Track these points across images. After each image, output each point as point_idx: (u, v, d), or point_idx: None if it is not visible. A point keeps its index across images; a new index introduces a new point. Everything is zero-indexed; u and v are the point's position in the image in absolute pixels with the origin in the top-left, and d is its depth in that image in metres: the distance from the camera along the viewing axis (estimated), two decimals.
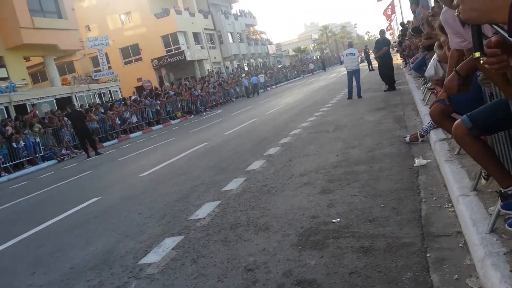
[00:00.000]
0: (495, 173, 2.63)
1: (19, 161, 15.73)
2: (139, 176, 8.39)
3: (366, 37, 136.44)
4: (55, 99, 23.74)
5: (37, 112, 20.09)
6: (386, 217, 3.53)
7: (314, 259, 3.08)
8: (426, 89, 8.59)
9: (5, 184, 13.62)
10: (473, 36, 1.51)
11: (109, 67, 33.85)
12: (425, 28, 5.81)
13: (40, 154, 16.70)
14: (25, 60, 26.95)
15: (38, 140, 16.72)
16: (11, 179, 14.41)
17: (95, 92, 27.89)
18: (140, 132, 21.73)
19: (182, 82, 34.15)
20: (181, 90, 28.29)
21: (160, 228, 4.66)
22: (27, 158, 16.08)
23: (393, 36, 43.51)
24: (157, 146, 13.48)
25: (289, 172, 5.87)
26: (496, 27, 1.41)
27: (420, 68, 9.19)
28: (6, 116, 19.31)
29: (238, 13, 55.87)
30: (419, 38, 8.89)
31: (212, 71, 41.31)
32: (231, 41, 48.86)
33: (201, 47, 42.54)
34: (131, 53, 39.60)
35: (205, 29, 44.22)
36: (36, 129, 16.93)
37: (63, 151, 17.49)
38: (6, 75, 23.84)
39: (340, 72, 35.82)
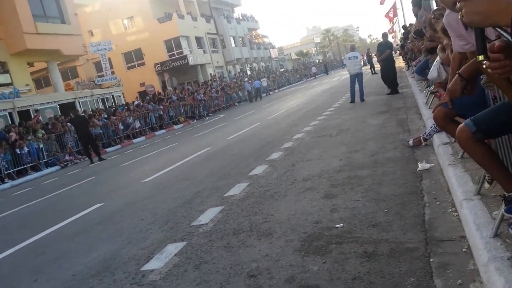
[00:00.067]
0: (499, 177, 2.61)
1: (22, 167, 15.78)
2: (142, 182, 8.39)
3: (368, 40, 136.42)
4: (59, 104, 23.83)
5: (40, 118, 20.16)
6: (390, 222, 3.51)
7: (317, 264, 3.06)
8: (429, 93, 8.57)
9: (8, 190, 13.66)
10: (476, 39, 1.50)
11: (112, 72, 33.99)
12: (428, 31, 5.79)
13: (43, 160, 16.75)
14: (28, 66, 27.07)
15: (41, 146, 16.77)
16: (14, 185, 14.45)
17: (98, 98, 27.98)
18: (143, 137, 21.77)
19: (185, 87, 34.23)
20: (184, 95, 28.35)
21: (163, 234, 4.65)
22: (30, 164, 16.13)
23: (395, 39, 43.47)
24: (160, 151, 13.49)
25: (292, 177, 5.86)
26: (499, 30, 1.41)
27: (422, 71, 9.16)
28: (10, 122, 19.39)
29: (241, 17, 56.00)
30: (421, 41, 8.87)
31: (215, 75, 41.39)
32: (233, 45, 48.94)
33: (204, 52, 42.63)
34: (134, 58, 39.71)
35: (208, 33, 44.33)
36: (40, 135, 16.99)
37: (67, 157, 17.53)
38: (10, 81, 23.93)
39: (342, 76, 35.81)
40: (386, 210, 3.79)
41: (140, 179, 8.76)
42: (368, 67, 33.17)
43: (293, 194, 5.01)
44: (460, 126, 2.61)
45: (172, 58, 38.27)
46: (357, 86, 13.96)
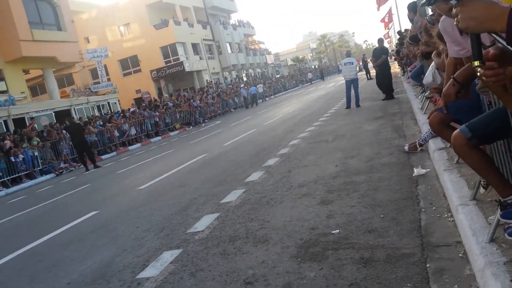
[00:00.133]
0: (495, 182, 2.61)
1: (17, 175, 15.68)
2: (138, 189, 8.36)
3: (364, 46, 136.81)
4: (54, 112, 23.75)
5: (35, 125, 20.08)
6: (386, 228, 3.50)
7: (313, 271, 3.05)
8: (425, 98, 8.59)
9: (3, 198, 13.58)
10: (472, 45, 1.51)
11: (108, 79, 33.98)
12: (423, 36, 5.81)
13: (38, 168, 16.65)
14: (24, 73, 27.01)
15: (36, 153, 16.69)
16: (9, 193, 14.35)
17: (94, 105, 27.93)
18: (139, 144, 21.71)
19: (181, 93, 34.23)
20: (180, 101, 28.32)
21: (159, 241, 4.63)
22: (25, 172, 16.03)
23: (390, 44, 43.65)
24: (156, 158, 13.46)
25: (288, 183, 5.85)
26: (495, 35, 1.41)
27: (418, 77, 9.20)
28: (5, 130, 19.31)
29: (237, 24, 56.15)
30: (416, 46, 8.90)
31: (211, 81, 41.42)
32: (229, 51, 49.06)
33: (200, 58, 42.70)
34: (130, 64, 39.73)
35: (204, 39, 44.40)
36: (35, 142, 16.91)
37: (62, 165, 17.45)
38: (5, 88, 23.91)
39: (338, 81, 35.90)
40: (382, 215, 3.79)
41: (136, 186, 8.73)
42: (364, 72, 33.29)
43: (289, 200, 5.00)
44: (455, 132, 2.61)
45: (168, 64, 38.30)
46: (352, 91, 14.00)
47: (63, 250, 5.34)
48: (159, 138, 23.04)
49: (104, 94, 30.96)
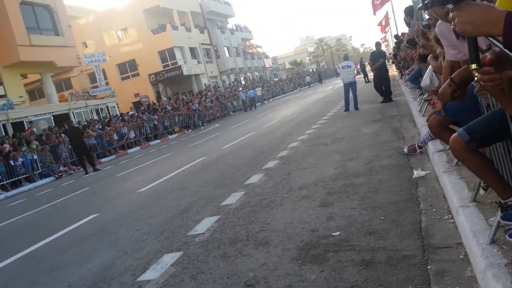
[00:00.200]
0: (494, 184, 2.62)
1: (16, 178, 15.66)
2: (138, 192, 8.35)
3: (361, 50, 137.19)
4: (53, 115, 23.77)
5: (34, 129, 20.07)
6: (386, 230, 3.51)
7: (314, 273, 3.06)
8: (423, 100, 8.63)
9: (2, 202, 13.56)
10: (469, 48, 1.52)
11: (106, 83, 33.93)
12: (420, 40, 5.84)
13: (37, 171, 16.65)
14: (22, 77, 26.99)
15: (35, 157, 16.68)
16: (8, 196, 14.33)
17: (93, 108, 27.94)
18: (138, 148, 21.71)
19: (180, 97, 34.23)
20: (179, 105, 28.36)
21: (159, 244, 4.63)
22: (24, 176, 16.02)
23: (388, 48, 43.74)
24: (155, 161, 13.45)
25: (288, 185, 5.86)
26: (491, 39, 1.42)
27: (416, 80, 9.22)
28: (4, 134, 19.30)
29: (234, 28, 56.26)
30: (414, 50, 8.94)
31: (209, 85, 41.43)
32: (227, 55, 49.14)
33: (198, 62, 42.75)
34: (128, 68, 39.70)
35: (202, 43, 44.48)
36: (34, 146, 16.90)
37: (61, 168, 17.44)
38: (3, 93, 23.87)
39: (336, 85, 35.96)
40: (382, 217, 3.80)
41: (135, 189, 8.73)
42: (362, 75, 33.35)
43: (289, 202, 5.01)
44: (453, 136, 2.61)
45: (166, 68, 38.31)
46: (351, 94, 14.03)
47: (63, 253, 5.33)
48: (158, 141, 23.05)
49: (102, 98, 30.93)
